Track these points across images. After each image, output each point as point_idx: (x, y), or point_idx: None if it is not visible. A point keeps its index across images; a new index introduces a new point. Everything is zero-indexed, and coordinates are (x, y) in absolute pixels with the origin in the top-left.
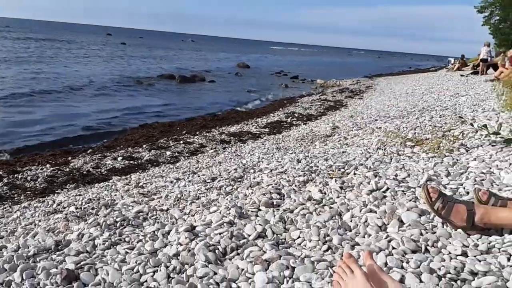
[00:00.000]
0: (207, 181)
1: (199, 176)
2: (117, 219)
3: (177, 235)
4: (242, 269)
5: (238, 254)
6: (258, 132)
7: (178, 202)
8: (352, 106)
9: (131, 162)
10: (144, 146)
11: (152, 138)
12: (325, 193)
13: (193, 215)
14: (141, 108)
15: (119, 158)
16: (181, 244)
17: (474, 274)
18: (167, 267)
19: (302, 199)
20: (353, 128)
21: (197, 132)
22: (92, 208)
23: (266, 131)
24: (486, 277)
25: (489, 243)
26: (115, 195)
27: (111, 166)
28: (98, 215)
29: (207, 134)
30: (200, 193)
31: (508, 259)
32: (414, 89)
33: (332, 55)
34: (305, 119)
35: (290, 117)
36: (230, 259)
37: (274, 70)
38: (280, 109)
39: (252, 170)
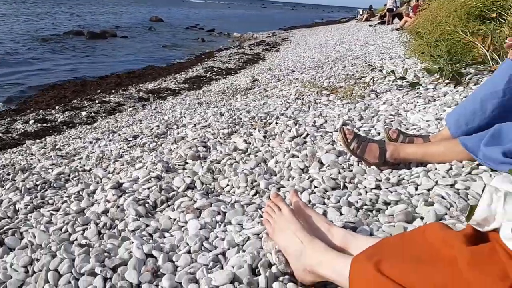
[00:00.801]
0: (129, 139)
1: (119, 135)
2: (37, 183)
3: (104, 193)
4: (174, 219)
5: (168, 206)
6: (177, 88)
7: (100, 162)
8: (269, 59)
9: (45, 125)
10: (56, 107)
11: (65, 99)
12: (249, 143)
13: (118, 173)
14: (50, 69)
15: (31, 122)
16: (109, 201)
17: (387, 204)
18: (96, 224)
19: (228, 150)
20: (272, 80)
21: (113, 91)
22: (8, 174)
23: (186, 87)
24: (398, 205)
25: (399, 176)
26: (31, 159)
27: (23, 130)
28: (15, 180)
29: (124, 92)
30: (123, 152)
31: (416, 189)
32: (327, 40)
33: (246, 8)
34: (224, 73)
35: (209, 72)
36: (161, 211)
37: (189, 24)
38: (199, 64)
39: (175, 126)
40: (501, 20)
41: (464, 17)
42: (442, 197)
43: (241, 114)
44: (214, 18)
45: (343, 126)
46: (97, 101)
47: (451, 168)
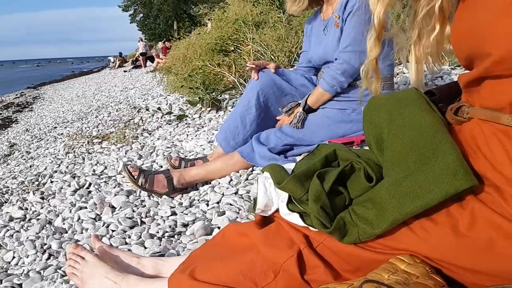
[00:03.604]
0: None
1: None
2: None
3: None
4: None
5: None
6: None
7: None
8: (24, 120)
9: None
10: None
11: None
12: (27, 209)
13: None
14: None
15: None
16: None
17: (186, 225)
18: None
19: (2, 221)
20: (33, 141)
21: None
22: None
23: None
24: (195, 223)
25: (190, 198)
26: None
27: None
28: None
29: None
30: None
31: (207, 205)
32: (84, 91)
33: None
34: None
35: None
36: None
37: None
38: None
39: None
40: (238, 51)
41: (209, 53)
42: (231, 205)
43: (6, 182)
44: None
45: (126, 165)
46: None
47: (231, 179)
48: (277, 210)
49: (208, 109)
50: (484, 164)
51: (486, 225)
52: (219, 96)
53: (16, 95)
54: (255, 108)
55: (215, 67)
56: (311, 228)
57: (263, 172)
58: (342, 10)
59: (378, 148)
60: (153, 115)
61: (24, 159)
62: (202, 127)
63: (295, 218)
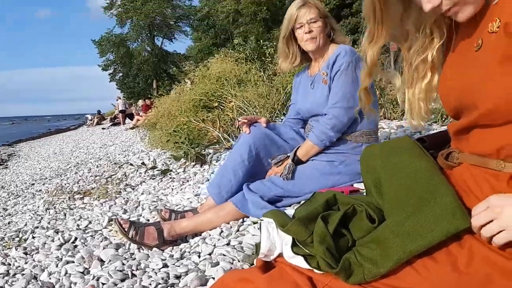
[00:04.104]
0: None
1: None
2: None
3: None
4: None
5: None
6: None
7: None
8: None
9: None
10: None
11: None
12: (9, 264)
13: None
14: None
15: None
16: None
17: (178, 277)
18: None
19: None
20: (10, 198)
21: None
22: None
23: None
24: (188, 275)
25: (181, 250)
26: None
27: None
28: None
29: None
30: None
31: (199, 256)
32: (61, 148)
33: None
34: None
35: None
36: None
37: None
38: None
39: None
40: (221, 107)
41: (193, 109)
42: (224, 255)
43: None
44: None
45: (116, 217)
46: None
47: (222, 231)
48: (279, 255)
49: (193, 163)
50: (476, 204)
51: (482, 262)
52: (203, 150)
53: None
54: (248, 161)
55: (199, 122)
56: (316, 271)
57: (263, 218)
58: (329, 69)
59: (377, 192)
60: (137, 170)
61: (2, 215)
62: (187, 181)
63: (299, 261)
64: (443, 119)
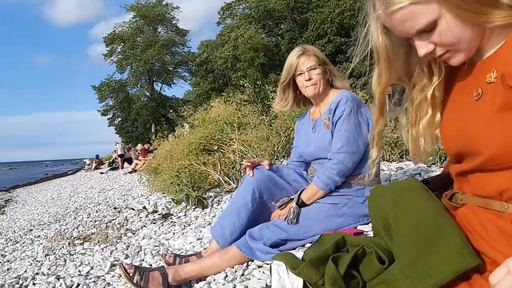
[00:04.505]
0: None
1: None
2: None
3: None
4: None
5: None
6: None
7: None
8: None
9: None
10: None
11: None
12: None
13: None
14: None
15: None
16: None
17: None
18: None
19: None
20: (8, 244)
21: None
22: None
23: None
24: None
25: None
26: None
27: None
28: None
29: None
30: None
31: None
32: (59, 193)
33: None
34: None
35: None
36: None
37: None
38: None
39: None
40: (221, 150)
41: (194, 152)
42: None
43: None
44: None
45: (121, 262)
46: None
47: (226, 275)
48: None
49: (194, 207)
50: (481, 243)
51: None
52: (204, 194)
53: None
54: (251, 203)
55: (200, 166)
56: None
57: (273, 260)
58: (331, 114)
59: (386, 233)
60: (138, 214)
61: (0, 262)
62: (189, 225)
63: None
64: (442, 161)
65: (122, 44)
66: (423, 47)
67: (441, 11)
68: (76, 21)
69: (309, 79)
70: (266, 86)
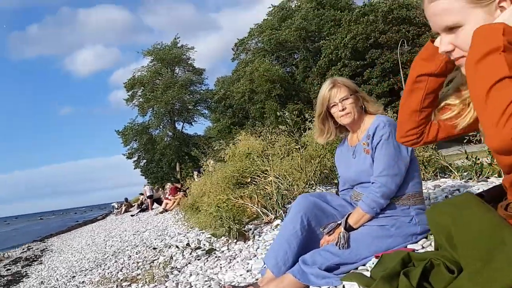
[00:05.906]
0: None
1: None
2: None
3: None
4: None
5: None
6: None
7: None
8: (35, 274)
9: None
10: None
11: None
12: None
13: None
14: None
15: None
16: None
17: None
18: None
19: None
20: None
21: None
22: None
23: None
24: None
25: None
26: None
27: None
28: None
29: None
30: None
31: None
32: (93, 239)
33: None
34: None
35: None
36: None
37: None
38: None
39: None
40: (253, 182)
41: (229, 185)
42: None
43: None
44: None
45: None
46: None
47: None
48: None
49: (235, 240)
50: None
51: None
52: (243, 227)
53: (23, 249)
54: (300, 231)
55: (237, 199)
56: None
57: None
58: (370, 139)
59: (450, 245)
60: (182, 252)
61: None
62: (234, 258)
63: None
64: (478, 176)
65: (142, 88)
66: (444, 45)
67: (469, 18)
68: (95, 70)
69: (343, 109)
70: (287, 113)
